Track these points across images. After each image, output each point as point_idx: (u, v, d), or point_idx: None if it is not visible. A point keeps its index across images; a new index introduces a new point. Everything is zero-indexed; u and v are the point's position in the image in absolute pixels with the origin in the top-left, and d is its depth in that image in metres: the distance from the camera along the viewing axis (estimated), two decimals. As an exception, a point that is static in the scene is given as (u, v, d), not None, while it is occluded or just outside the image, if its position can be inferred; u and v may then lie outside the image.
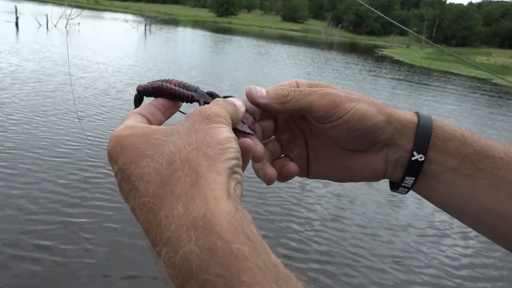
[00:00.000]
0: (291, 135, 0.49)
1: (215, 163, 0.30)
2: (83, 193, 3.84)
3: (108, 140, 0.35)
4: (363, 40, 74.54)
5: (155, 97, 0.42)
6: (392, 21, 2.58)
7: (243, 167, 0.38)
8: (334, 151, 0.47)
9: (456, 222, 4.31)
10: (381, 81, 16.82)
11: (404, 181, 0.44)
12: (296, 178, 0.44)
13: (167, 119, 0.43)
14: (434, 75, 22.65)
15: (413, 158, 0.42)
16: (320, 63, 20.96)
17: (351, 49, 42.44)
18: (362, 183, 5.05)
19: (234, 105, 0.38)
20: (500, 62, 36.09)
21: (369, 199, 4.74)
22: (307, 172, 0.49)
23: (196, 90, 0.43)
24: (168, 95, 0.41)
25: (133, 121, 0.38)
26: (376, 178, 0.46)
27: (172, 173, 0.29)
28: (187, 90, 0.42)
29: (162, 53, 16.37)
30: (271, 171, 0.44)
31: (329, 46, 39.88)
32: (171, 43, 22.01)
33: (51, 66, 9.94)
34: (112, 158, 0.34)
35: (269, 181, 0.44)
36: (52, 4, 22.73)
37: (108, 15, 48.27)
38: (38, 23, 20.93)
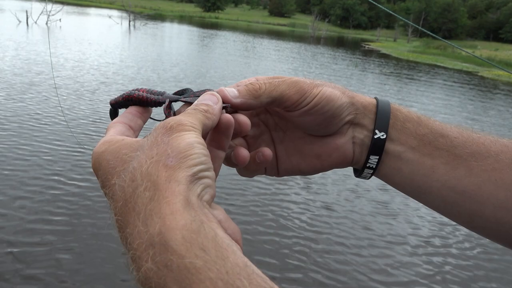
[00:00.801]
0: (256, 132, 0.49)
1: (174, 173, 0.29)
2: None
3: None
4: (350, 34, 74.56)
5: (127, 107, 0.44)
6: (390, 11, 2.40)
7: (224, 143, 0.39)
8: (303, 140, 0.48)
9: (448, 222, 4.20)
10: (369, 76, 16.75)
11: (369, 161, 0.46)
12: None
13: (144, 123, 0.44)
14: (421, 69, 22.66)
15: (375, 136, 0.44)
16: (307, 57, 20.82)
17: (338, 43, 42.36)
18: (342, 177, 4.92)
19: (206, 110, 0.36)
20: (485, 54, 36.32)
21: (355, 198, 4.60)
22: (276, 169, 0.49)
23: (162, 94, 0.43)
24: (137, 102, 0.43)
25: (112, 133, 0.38)
26: (345, 162, 0.47)
27: (134, 190, 0.30)
28: (155, 95, 0.43)
29: (144, 49, 15.96)
30: (243, 151, 0.43)
31: (316, 40, 39.77)
32: (154, 39, 21.61)
33: (26, 65, 9.62)
34: (95, 173, 0.35)
35: (242, 162, 0.43)
36: (35, 0, 22.12)
37: (92, 11, 47.44)
38: (18, 19, 20.39)
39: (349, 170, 0.50)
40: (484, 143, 0.43)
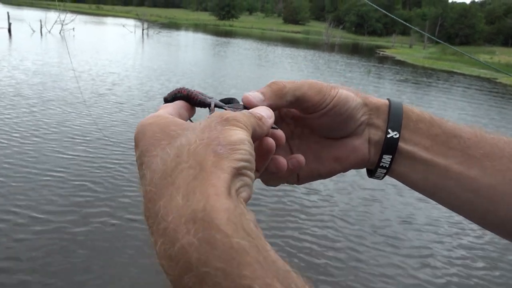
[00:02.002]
0: None
1: (221, 161, 0.29)
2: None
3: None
4: (365, 40, 74.06)
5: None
6: (401, 21, 2.15)
7: (261, 165, 0.39)
8: (320, 144, 0.48)
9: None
10: (384, 83, 16.39)
11: (382, 161, 0.46)
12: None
13: (187, 120, 0.44)
14: (438, 76, 22.18)
15: (388, 136, 0.45)
16: (321, 65, 20.56)
17: (352, 50, 42.02)
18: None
19: (260, 118, 0.37)
20: (504, 60, 35.51)
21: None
22: (296, 177, 0.49)
23: (210, 98, 0.44)
24: (185, 97, 0.43)
25: (162, 112, 0.39)
26: (362, 163, 0.48)
27: (177, 165, 0.29)
28: (203, 96, 0.44)
29: (155, 59, 15.94)
30: (281, 158, 0.43)
31: (330, 47, 39.48)
32: (167, 48, 21.65)
33: (33, 73, 9.58)
34: (135, 144, 0.35)
35: (282, 169, 0.43)
36: (54, 10, 22.47)
37: (109, 20, 48.07)
38: (32, 29, 20.63)
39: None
40: (498, 144, 0.43)
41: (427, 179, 0.45)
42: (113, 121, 6.56)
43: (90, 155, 5.00)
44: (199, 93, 0.44)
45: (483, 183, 0.43)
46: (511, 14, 76.80)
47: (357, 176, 5.27)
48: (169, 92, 0.46)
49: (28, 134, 5.50)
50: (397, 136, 0.45)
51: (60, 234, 3.29)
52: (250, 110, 0.38)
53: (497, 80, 22.75)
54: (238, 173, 0.30)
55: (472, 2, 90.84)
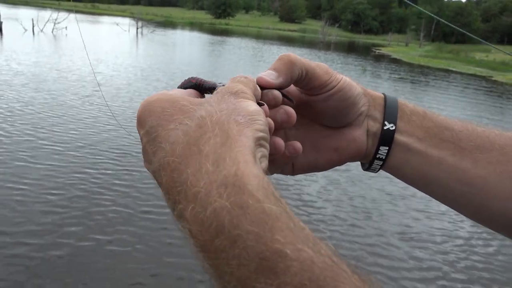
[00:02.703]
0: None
1: (244, 129, 0.30)
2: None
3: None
4: (361, 39, 73.96)
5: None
6: (426, 11, 2.02)
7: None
8: (319, 134, 0.49)
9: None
10: (380, 82, 16.29)
11: (379, 152, 0.47)
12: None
13: None
14: (433, 74, 22.09)
15: (385, 128, 0.46)
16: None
17: (348, 48, 41.91)
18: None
19: (254, 82, 0.39)
20: (499, 58, 35.46)
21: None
22: (291, 167, 0.48)
23: (220, 83, 0.44)
24: (195, 86, 0.44)
25: (165, 91, 0.39)
26: (360, 154, 0.48)
27: (202, 135, 0.30)
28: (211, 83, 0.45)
29: (147, 58, 15.69)
30: (280, 140, 0.42)
31: (326, 46, 39.35)
32: (160, 47, 21.45)
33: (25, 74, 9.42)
34: (140, 123, 0.35)
35: (279, 150, 0.41)
36: (50, 8, 22.21)
37: (104, 19, 47.75)
38: (24, 28, 20.40)
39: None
40: (489, 137, 0.44)
41: (421, 171, 0.46)
42: (95, 124, 6.42)
43: (89, 157, 4.87)
44: (208, 81, 0.44)
45: (475, 176, 0.43)
46: (507, 12, 76.90)
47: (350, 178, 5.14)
48: (181, 82, 0.46)
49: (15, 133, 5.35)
50: (394, 128, 0.46)
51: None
52: (246, 76, 0.39)
53: (493, 78, 22.70)
54: (258, 143, 0.31)
55: (468, 1, 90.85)
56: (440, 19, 1.99)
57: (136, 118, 0.36)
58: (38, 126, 5.84)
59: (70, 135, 5.61)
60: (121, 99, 8.12)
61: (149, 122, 0.34)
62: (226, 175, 0.27)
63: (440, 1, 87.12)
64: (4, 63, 10.56)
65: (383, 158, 0.47)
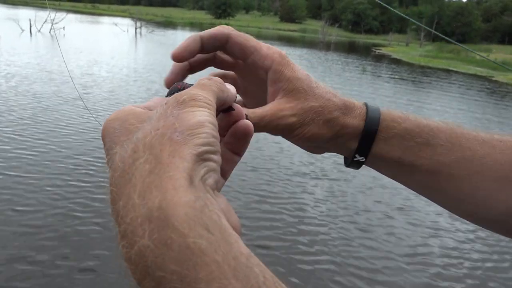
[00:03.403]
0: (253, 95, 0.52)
1: (179, 149, 0.28)
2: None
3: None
4: (362, 38, 73.81)
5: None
6: (407, 17, 1.88)
7: (242, 148, 0.38)
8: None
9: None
10: (380, 82, 16.12)
11: (349, 167, 0.51)
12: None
13: None
14: (434, 74, 21.96)
15: (355, 159, 0.48)
16: (315, 64, 20.29)
17: (348, 48, 41.76)
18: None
19: (220, 83, 0.35)
20: (500, 58, 35.28)
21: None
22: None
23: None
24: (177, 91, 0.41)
25: (135, 106, 0.36)
26: (312, 153, 0.51)
27: (134, 161, 0.28)
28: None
29: (143, 59, 15.56)
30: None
31: (326, 46, 39.20)
32: (158, 47, 21.31)
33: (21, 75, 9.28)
34: (102, 141, 0.34)
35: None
36: (50, 8, 22.04)
37: (103, 19, 47.60)
38: (21, 28, 20.29)
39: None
40: (471, 147, 0.45)
41: (393, 176, 0.49)
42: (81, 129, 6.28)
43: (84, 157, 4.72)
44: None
45: (448, 185, 0.45)
46: (508, 11, 76.70)
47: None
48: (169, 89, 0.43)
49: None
50: (363, 160, 0.47)
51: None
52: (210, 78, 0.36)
53: (493, 78, 22.54)
54: (200, 159, 0.28)
55: (469, 0, 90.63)
56: (410, 19, 1.84)
57: None
58: (16, 133, 5.63)
59: (51, 143, 5.39)
60: (109, 102, 7.87)
61: (106, 143, 0.32)
62: (150, 208, 0.25)
63: (440, 1, 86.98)
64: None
65: (356, 169, 0.50)
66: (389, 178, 0.49)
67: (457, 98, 13.86)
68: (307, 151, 0.51)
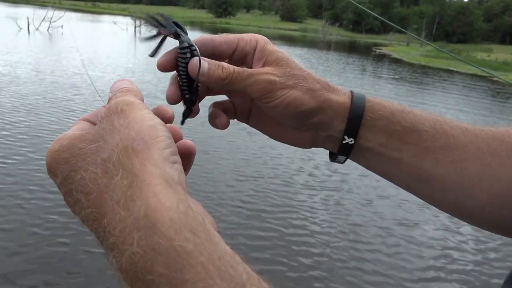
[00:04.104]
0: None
1: (146, 156, 0.29)
2: None
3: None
4: (362, 38, 73.64)
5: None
6: (386, 21, 1.75)
7: (188, 166, 0.39)
8: (271, 118, 0.50)
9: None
10: (380, 82, 15.97)
11: (338, 158, 0.50)
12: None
13: None
14: (434, 74, 21.79)
15: (344, 142, 0.47)
16: (315, 64, 20.13)
17: (348, 48, 41.61)
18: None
19: (128, 88, 0.37)
20: (501, 58, 35.11)
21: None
22: (247, 120, 0.51)
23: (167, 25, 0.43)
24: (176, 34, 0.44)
25: (73, 130, 0.36)
26: (302, 147, 0.51)
27: (109, 180, 0.29)
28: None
29: (140, 57, 15.31)
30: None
31: (327, 45, 39.03)
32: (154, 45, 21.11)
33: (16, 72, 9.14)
34: (52, 173, 0.34)
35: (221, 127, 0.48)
36: (51, 7, 21.90)
37: (102, 17, 47.43)
38: (18, 26, 20.14)
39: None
40: (454, 135, 0.45)
41: (379, 168, 0.48)
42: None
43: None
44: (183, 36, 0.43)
45: (434, 174, 0.45)
46: (509, 11, 76.44)
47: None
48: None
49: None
50: (353, 142, 0.46)
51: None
52: (114, 90, 0.37)
53: (494, 79, 22.35)
54: (168, 162, 0.30)
55: (470, 0, 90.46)
56: (366, 9, 1.70)
57: (46, 166, 0.34)
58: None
59: (34, 146, 5.23)
60: (98, 104, 7.68)
61: (60, 174, 0.33)
62: (136, 218, 0.26)
63: (441, 1, 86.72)
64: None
65: (341, 161, 0.50)
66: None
67: (459, 99, 13.69)
68: (291, 144, 0.50)
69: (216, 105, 0.49)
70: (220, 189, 4.39)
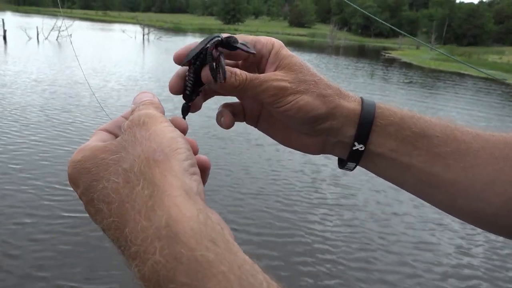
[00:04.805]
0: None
1: (166, 167, 0.30)
2: None
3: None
4: (371, 42, 73.28)
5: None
6: (387, 24, 1.62)
7: (204, 179, 0.39)
8: (281, 123, 0.50)
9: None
10: (390, 87, 15.77)
11: (347, 165, 0.49)
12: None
13: None
14: (445, 78, 21.48)
15: (354, 148, 0.47)
16: (324, 69, 19.99)
17: (357, 52, 41.42)
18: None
19: (150, 100, 0.39)
20: (513, 60, 34.57)
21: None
22: (255, 124, 0.52)
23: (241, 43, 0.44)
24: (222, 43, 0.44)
25: (93, 141, 0.37)
26: (311, 153, 0.51)
27: (131, 190, 0.30)
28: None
29: (145, 65, 15.37)
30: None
31: (335, 50, 38.88)
32: (164, 53, 21.18)
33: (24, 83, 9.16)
34: (73, 183, 0.35)
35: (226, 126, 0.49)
36: (63, 16, 22.12)
37: (112, 26, 47.87)
38: (28, 36, 20.35)
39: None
40: (466, 140, 0.45)
41: (389, 173, 0.48)
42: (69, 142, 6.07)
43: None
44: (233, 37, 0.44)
45: (445, 179, 0.45)
46: (521, 13, 75.51)
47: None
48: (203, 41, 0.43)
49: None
50: (363, 148, 0.46)
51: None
52: (137, 102, 0.39)
53: (507, 81, 21.97)
54: (188, 173, 0.31)
55: (480, 2, 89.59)
56: (372, 16, 1.57)
57: (68, 176, 0.35)
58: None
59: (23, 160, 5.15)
60: (100, 114, 7.38)
61: (82, 184, 0.34)
62: (158, 227, 0.27)
63: (451, 3, 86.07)
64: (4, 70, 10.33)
65: (351, 168, 0.50)
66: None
67: (471, 103, 13.43)
68: (300, 149, 0.50)
69: (225, 105, 0.50)
70: (234, 198, 4.28)
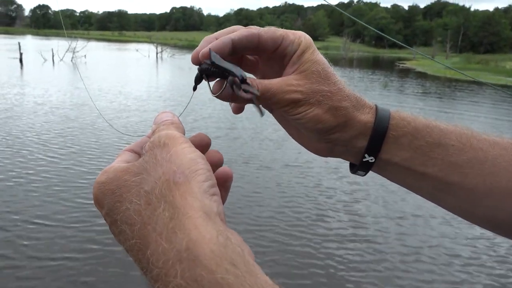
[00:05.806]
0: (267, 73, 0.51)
1: (187, 189, 0.30)
2: None
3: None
4: (386, 53, 72.88)
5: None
6: (388, 37, 1.46)
7: (224, 195, 0.39)
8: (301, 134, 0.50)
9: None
10: (405, 99, 15.47)
11: (358, 172, 0.49)
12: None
13: None
14: (462, 87, 21.04)
15: (364, 160, 0.47)
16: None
17: (371, 63, 41.15)
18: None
19: (171, 120, 0.39)
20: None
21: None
22: (270, 111, 0.51)
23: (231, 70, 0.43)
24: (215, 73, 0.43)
25: (118, 162, 0.38)
26: (321, 155, 0.51)
27: (152, 212, 0.30)
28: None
29: (154, 84, 15.34)
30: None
31: (349, 62, 38.68)
32: (176, 71, 21.32)
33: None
34: (98, 204, 0.35)
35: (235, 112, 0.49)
36: (81, 38, 22.70)
37: (130, 46, 48.65)
38: (43, 58, 20.74)
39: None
40: (483, 148, 0.44)
41: (403, 181, 0.47)
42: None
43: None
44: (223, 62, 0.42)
45: (462, 187, 0.44)
46: (538, 19, 74.28)
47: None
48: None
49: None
50: (373, 161, 0.46)
51: None
52: (158, 123, 0.39)
53: (526, 89, 21.40)
54: (208, 194, 0.31)
55: (496, 9, 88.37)
56: (381, 33, 1.40)
57: (93, 197, 0.36)
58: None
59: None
60: (106, 133, 7.31)
61: (106, 205, 0.34)
62: (178, 250, 0.27)
63: (465, 11, 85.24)
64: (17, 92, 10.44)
65: (363, 175, 0.49)
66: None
67: (489, 112, 13.03)
68: (310, 150, 0.50)
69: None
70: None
